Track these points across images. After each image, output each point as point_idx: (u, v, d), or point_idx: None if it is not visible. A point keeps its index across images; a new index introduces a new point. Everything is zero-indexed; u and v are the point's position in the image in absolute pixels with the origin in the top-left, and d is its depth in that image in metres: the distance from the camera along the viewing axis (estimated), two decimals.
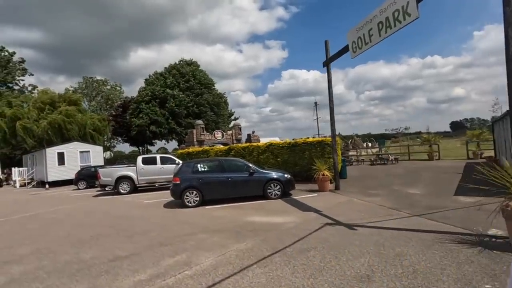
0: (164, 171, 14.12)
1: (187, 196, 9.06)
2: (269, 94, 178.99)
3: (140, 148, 49.40)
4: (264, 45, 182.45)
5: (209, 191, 9.25)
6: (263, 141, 32.35)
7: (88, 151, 23.74)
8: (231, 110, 45.76)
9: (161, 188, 14.36)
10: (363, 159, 21.87)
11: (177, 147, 39.41)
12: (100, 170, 14.01)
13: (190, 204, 9.02)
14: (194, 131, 25.83)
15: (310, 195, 9.58)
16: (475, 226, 5.06)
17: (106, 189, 14.38)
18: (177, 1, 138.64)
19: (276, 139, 40.51)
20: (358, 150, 29.50)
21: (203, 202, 9.10)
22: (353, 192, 9.55)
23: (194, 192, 9.09)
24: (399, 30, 6.61)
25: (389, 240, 4.69)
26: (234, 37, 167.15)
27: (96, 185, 16.12)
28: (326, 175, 10.24)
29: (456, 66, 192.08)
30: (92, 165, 21.80)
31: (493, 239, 4.45)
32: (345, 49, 9.02)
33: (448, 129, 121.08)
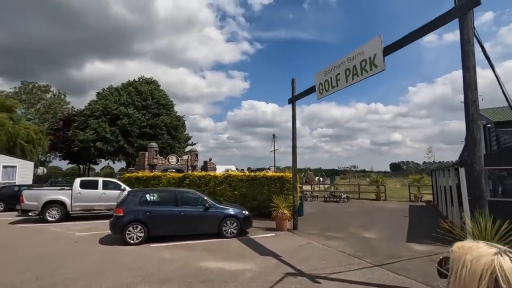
0: (105, 197, 12.45)
1: (129, 231, 7.85)
2: (228, 122, 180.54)
3: (81, 166, 44.48)
4: (227, 74, 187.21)
5: (157, 226, 8.17)
6: (219, 168, 31.47)
7: (15, 166, 20.40)
8: (188, 134, 44.23)
9: (99, 216, 12.55)
10: (317, 195, 22.26)
11: (125, 168, 36.32)
12: (25, 192, 11.79)
13: (132, 241, 7.81)
14: (146, 153, 23.99)
15: (268, 235, 9.05)
16: (435, 282, 4.99)
17: (30, 214, 12.08)
18: (147, 21, 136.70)
19: (232, 168, 39.91)
20: (312, 185, 30.21)
21: (148, 239, 7.97)
22: (311, 233, 9.26)
23: (139, 227, 7.92)
24: (366, 79, 6.88)
25: None
26: (199, 63, 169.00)
27: (17, 209, 13.53)
28: (285, 213, 9.88)
29: (395, 115, 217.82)
30: (17, 183, 18.63)
31: None
32: (311, 90, 9.21)
33: (388, 169, 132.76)
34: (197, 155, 28.13)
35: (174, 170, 24.51)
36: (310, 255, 6.84)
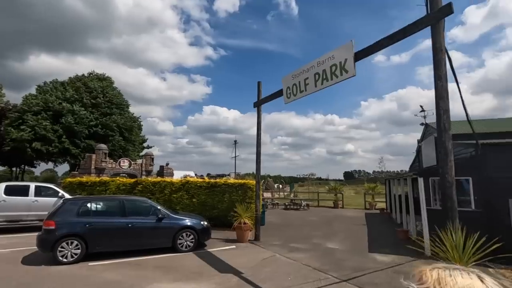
0: (38, 206, 10.62)
1: (62, 248, 6.56)
2: (188, 126, 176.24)
3: (16, 169, 38.96)
4: (189, 78, 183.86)
5: (98, 241, 6.95)
6: (177, 174, 29.78)
7: None
8: (144, 136, 41.38)
9: (28, 228, 10.63)
10: (277, 203, 22.04)
11: (69, 172, 32.55)
12: None
13: (65, 260, 6.53)
14: (94, 156, 21.59)
15: (228, 247, 8.33)
16: None
17: None
18: (103, 17, 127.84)
19: (191, 174, 38.25)
20: (272, 192, 30.09)
21: (87, 256, 6.74)
22: (274, 244, 8.75)
23: (75, 243, 6.67)
24: (335, 84, 6.66)
25: None
26: (160, 64, 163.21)
27: None
28: (247, 223, 9.27)
29: (349, 127, 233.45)
30: None
31: None
32: (278, 93, 8.82)
33: (342, 178, 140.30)
34: (152, 159, 26.26)
35: (126, 175, 22.47)
36: (274, 270, 6.29)
